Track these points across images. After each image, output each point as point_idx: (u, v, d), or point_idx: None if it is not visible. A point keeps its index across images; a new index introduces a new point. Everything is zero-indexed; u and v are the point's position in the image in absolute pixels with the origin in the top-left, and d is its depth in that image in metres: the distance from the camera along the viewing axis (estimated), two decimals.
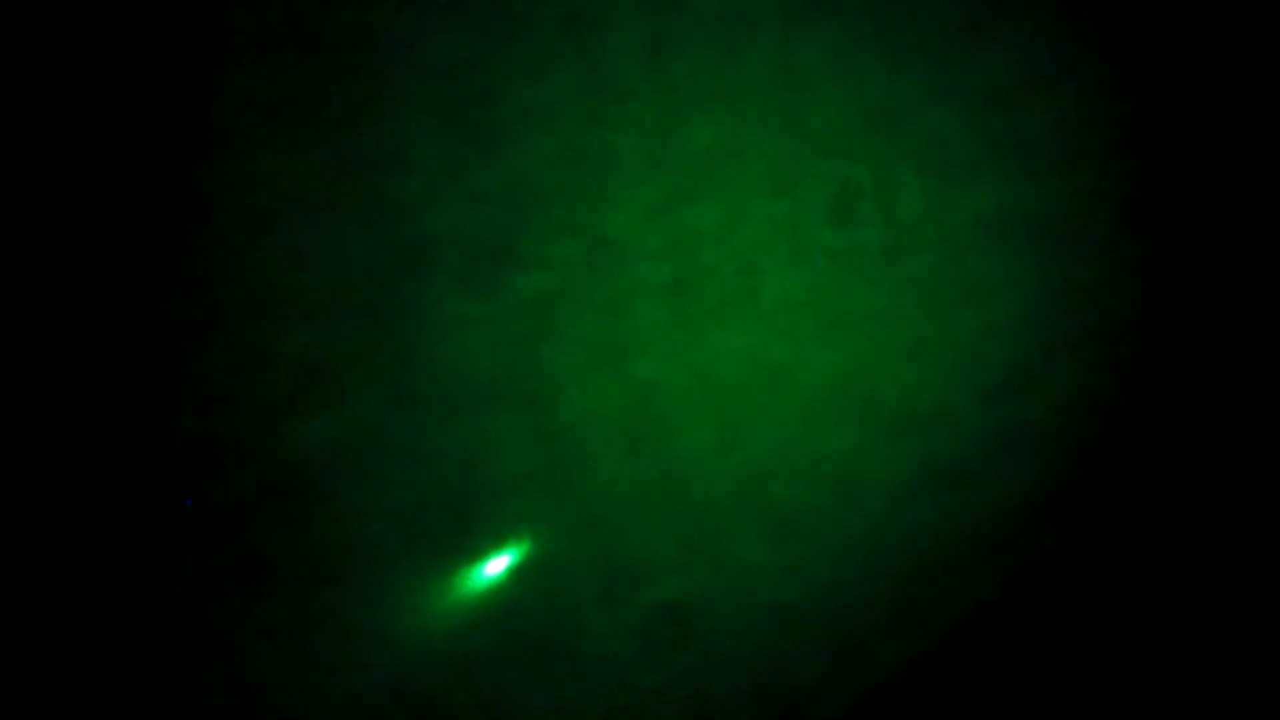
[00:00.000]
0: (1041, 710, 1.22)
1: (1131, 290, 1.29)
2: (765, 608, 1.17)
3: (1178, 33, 1.28)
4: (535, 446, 1.07)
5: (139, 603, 0.98)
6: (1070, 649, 1.25)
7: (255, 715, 1.00)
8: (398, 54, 1.01)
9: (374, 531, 1.02)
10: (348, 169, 1.00)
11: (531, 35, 1.03)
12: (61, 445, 0.98)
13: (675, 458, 1.11)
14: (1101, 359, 1.27)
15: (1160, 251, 1.31)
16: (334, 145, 1.00)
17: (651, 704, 1.17)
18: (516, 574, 1.07)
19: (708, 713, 1.21)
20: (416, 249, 1.01)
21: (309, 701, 1.01)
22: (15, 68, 0.96)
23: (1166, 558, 1.26)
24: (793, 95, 1.13)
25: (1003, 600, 1.25)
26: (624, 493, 1.12)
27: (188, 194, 0.97)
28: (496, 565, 1.06)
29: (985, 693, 1.23)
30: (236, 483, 0.98)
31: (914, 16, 1.20)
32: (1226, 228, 1.32)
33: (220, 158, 0.98)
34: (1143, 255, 1.29)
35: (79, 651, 0.98)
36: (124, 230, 0.97)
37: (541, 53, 1.03)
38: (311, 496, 0.99)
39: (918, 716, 1.24)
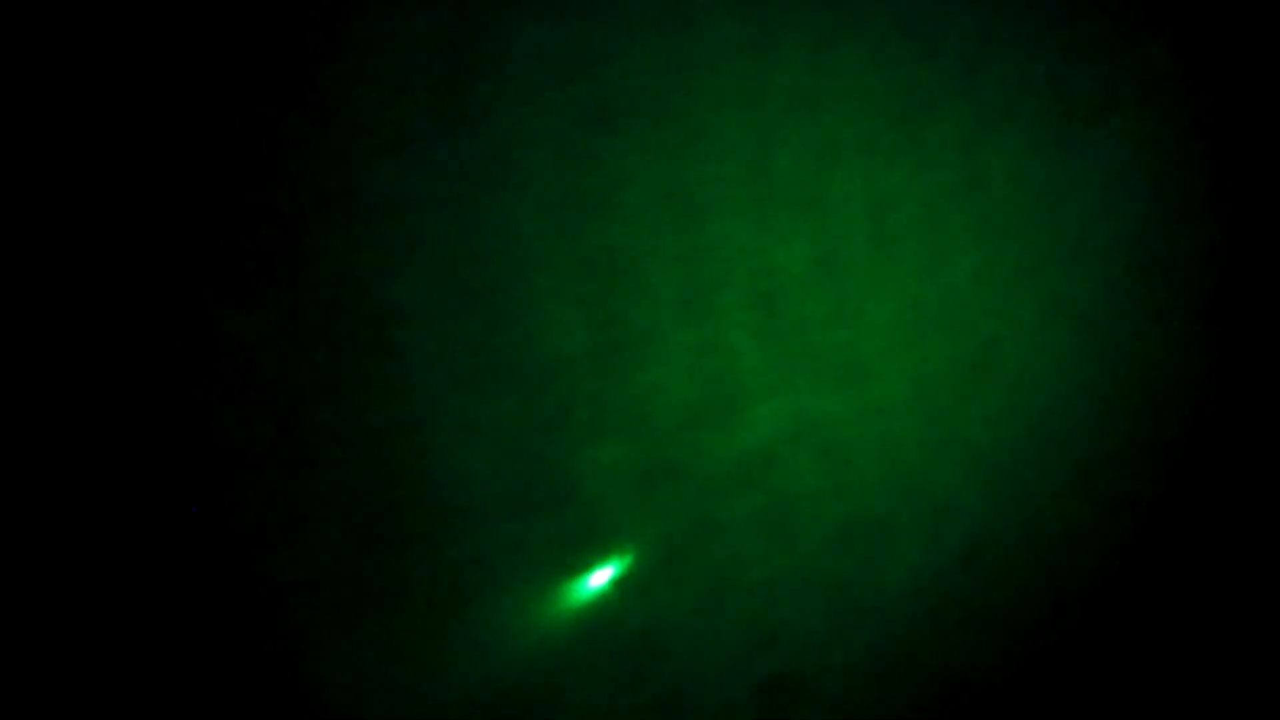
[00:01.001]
0: None
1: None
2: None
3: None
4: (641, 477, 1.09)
5: (273, 604, 1.02)
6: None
7: (370, 709, 1.03)
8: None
9: (488, 545, 1.05)
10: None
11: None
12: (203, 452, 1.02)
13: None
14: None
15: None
16: None
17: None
18: (620, 588, 1.09)
19: None
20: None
21: (422, 697, 1.04)
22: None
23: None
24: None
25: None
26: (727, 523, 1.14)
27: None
28: (599, 578, 1.09)
29: None
30: (374, 500, 1.02)
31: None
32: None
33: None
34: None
35: (213, 643, 1.01)
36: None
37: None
38: (435, 510, 1.03)
39: None
